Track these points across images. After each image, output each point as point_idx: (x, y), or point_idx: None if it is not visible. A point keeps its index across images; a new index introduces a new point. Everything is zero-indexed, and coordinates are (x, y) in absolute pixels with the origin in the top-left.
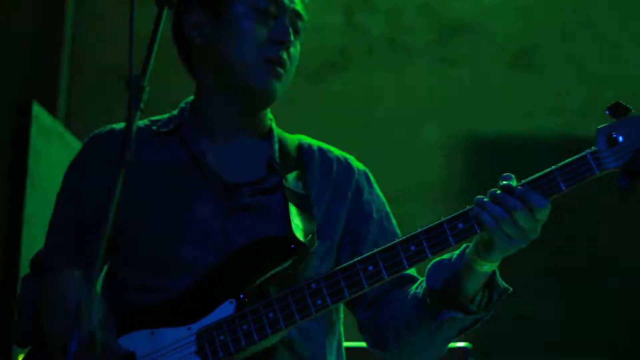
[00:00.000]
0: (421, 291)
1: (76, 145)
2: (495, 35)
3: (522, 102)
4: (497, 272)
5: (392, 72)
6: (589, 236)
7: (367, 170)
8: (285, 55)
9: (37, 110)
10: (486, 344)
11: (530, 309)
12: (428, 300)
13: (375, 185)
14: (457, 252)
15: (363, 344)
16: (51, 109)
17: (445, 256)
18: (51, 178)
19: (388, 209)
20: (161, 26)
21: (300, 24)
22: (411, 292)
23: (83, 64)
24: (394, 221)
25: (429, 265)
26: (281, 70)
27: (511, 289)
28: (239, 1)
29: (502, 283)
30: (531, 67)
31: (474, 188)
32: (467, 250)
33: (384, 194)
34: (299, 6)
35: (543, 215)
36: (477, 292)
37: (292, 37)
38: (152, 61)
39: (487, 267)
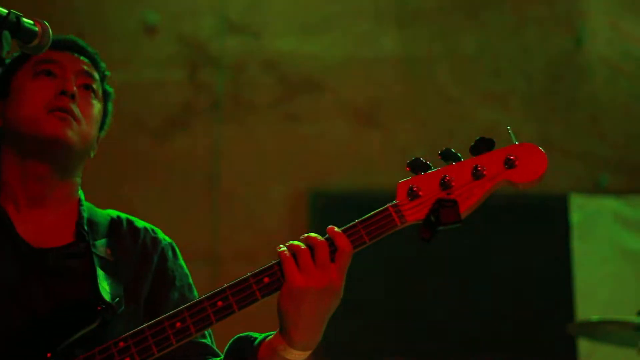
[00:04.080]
0: None
1: None
2: (339, 92)
3: (366, 158)
4: None
5: (236, 128)
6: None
7: (173, 243)
8: (71, 105)
9: None
10: None
11: None
12: None
13: (180, 257)
14: (262, 335)
15: None
16: None
17: (252, 334)
18: None
19: (191, 281)
20: None
21: (94, 84)
22: None
23: None
24: (195, 293)
25: (232, 339)
26: (69, 117)
27: None
28: (20, 71)
29: None
30: (375, 123)
31: None
32: (272, 335)
33: (232, 249)
34: (86, 66)
35: (344, 259)
36: None
37: (74, 90)
38: None
39: (292, 354)
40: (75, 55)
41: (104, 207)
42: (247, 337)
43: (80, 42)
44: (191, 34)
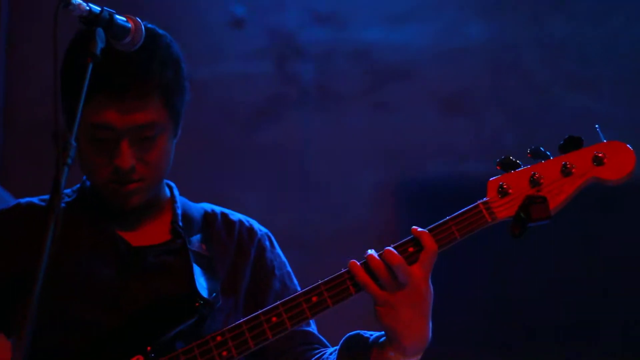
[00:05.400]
0: None
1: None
2: (427, 80)
3: (455, 146)
4: None
5: (325, 119)
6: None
7: (269, 233)
8: (131, 175)
9: None
10: None
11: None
12: None
13: (277, 246)
14: (375, 334)
15: None
16: None
17: (362, 333)
18: None
19: (290, 269)
20: (87, 80)
21: (154, 129)
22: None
23: (15, 118)
24: (295, 280)
25: (344, 337)
26: (131, 187)
27: None
28: (82, 132)
29: None
30: (463, 110)
31: (408, 232)
32: (382, 339)
33: (322, 238)
34: (139, 120)
35: (429, 258)
36: None
37: (129, 165)
38: (79, 116)
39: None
40: (126, 105)
41: (196, 200)
42: (359, 336)
43: (134, 73)
44: (278, 26)
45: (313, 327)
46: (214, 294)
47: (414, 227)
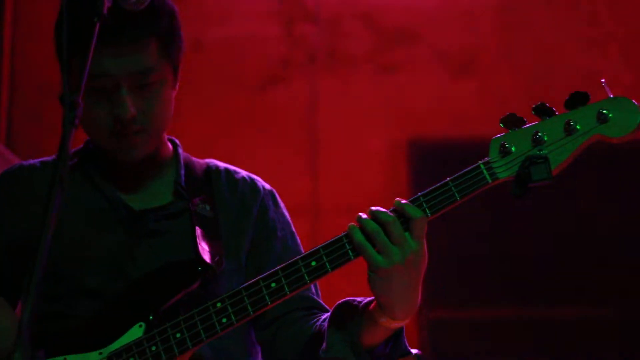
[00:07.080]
0: (322, 331)
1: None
2: (435, 42)
3: (464, 107)
4: (404, 329)
5: (334, 81)
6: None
7: (273, 191)
8: (132, 124)
9: None
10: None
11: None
12: (325, 345)
13: (281, 205)
14: (365, 300)
15: None
16: None
17: (353, 300)
18: None
19: (293, 229)
20: (94, 39)
21: (152, 75)
22: (312, 326)
23: (23, 80)
24: (298, 240)
25: (335, 305)
26: (132, 138)
27: (413, 352)
28: (86, 85)
29: (405, 343)
30: (471, 72)
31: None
32: (372, 304)
33: (332, 201)
34: (136, 65)
35: (418, 226)
36: (377, 344)
37: (128, 112)
38: (85, 76)
39: (395, 325)
40: (122, 48)
41: None
42: (349, 303)
43: (128, 17)
44: None
45: (313, 291)
46: (217, 258)
47: (396, 199)
